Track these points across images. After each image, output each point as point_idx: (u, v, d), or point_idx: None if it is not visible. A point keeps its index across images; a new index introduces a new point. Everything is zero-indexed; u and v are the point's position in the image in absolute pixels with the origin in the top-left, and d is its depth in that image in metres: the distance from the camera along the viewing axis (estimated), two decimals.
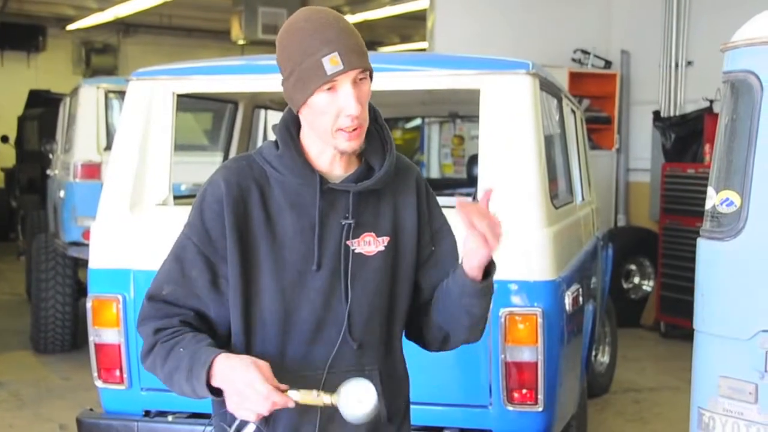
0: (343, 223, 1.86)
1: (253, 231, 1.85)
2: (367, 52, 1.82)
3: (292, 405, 1.72)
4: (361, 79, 1.80)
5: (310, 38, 1.77)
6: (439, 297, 1.92)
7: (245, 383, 1.69)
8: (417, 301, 1.97)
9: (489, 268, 1.84)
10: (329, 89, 1.78)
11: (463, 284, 1.83)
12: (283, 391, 1.70)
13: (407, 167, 1.98)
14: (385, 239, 1.90)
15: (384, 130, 1.93)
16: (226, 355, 1.75)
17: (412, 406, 2.05)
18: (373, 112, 1.94)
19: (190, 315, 1.88)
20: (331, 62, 1.75)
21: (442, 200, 2.18)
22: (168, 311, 1.88)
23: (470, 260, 1.80)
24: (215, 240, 1.85)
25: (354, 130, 1.80)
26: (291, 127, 1.89)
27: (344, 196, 1.87)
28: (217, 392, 1.77)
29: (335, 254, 1.85)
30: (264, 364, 1.72)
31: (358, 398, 1.72)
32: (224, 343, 1.87)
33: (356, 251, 1.87)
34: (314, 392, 1.73)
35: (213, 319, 1.89)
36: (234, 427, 1.80)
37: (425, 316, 1.96)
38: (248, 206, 1.86)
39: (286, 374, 1.73)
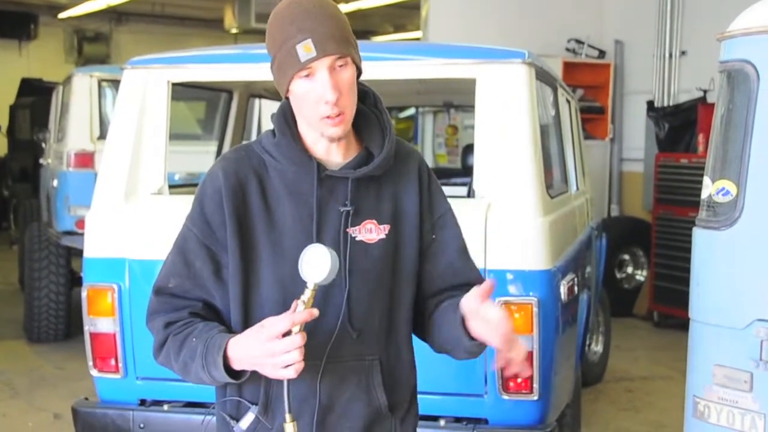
0: (342, 210, 1.86)
1: (252, 220, 1.85)
2: (349, 39, 1.80)
3: (316, 312, 1.71)
4: (340, 66, 1.78)
5: (287, 25, 1.76)
6: (441, 324, 1.91)
7: (267, 340, 1.69)
8: (418, 289, 1.97)
9: None
10: (306, 76, 1.77)
11: (462, 335, 1.82)
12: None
13: (408, 153, 1.96)
14: (386, 227, 1.90)
15: (383, 115, 1.92)
16: (236, 336, 1.76)
17: None
18: (372, 97, 1.93)
19: (199, 306, 1.88)
20: (305, 49, 1.74)
21: None
22: (176, 304, 1.88)
23: (480, 335, 1.78)
24: (216, 230, 1.85)
25: (337, 116, 1.78)
26: (288, 115, 1.88)
27: (343, 183, 1.86)
28: (235, 375, 1.78)
29: (334, 242, 1.84)
30: (266, 320, 1.72)
31: (318, 267, 1.70)
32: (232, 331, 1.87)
33: (357, 239, 1.87)
34: (299, 304, 1.71)
35: (220, 308, 1.89)
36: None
37: (427, 318, 1.96)
38: (247, 196, 1.85)
39: None
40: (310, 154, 1.86)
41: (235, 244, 1.83)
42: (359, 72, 1.85)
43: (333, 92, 1.76)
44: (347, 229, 1.86)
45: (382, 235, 1.89)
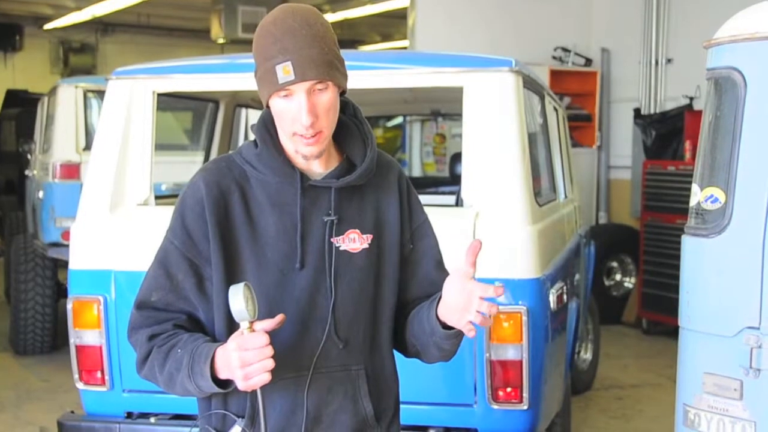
0: (326, 220, 1.84)
1: (235, 231, 1.83)
2: (333, 62, 1.77)
3: (280, 316, 1.72)
4: (319, 89, 1.76)
5: (270, 43, 1.75)
6: (413, 321, 1.90)
7: (237, 349, 1.68)
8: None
9: None
10: (285, 95, 1.76)
11: (435, 325, 1.81)
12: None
13: (388, 164, 1.97)
14: (369, 236, 1.89)
15: (364, 125, 1.91)
16: (222, 346, 1.75)
17: None
18: (352, 107, 1.92)
19: (182, 318, 1.86)
20: (284, 71, 1.73)
21: (424, 198, 2.16)
22: (159, 317, 1.86)
23: (448, 316, 1.76)
24: (198, 242, 1.83)
25: (312, 136, 1.77)
26: (269, 125, 1.86)
27: (326, 192, 1.85)
28: (222, 384, 1.76)
29: (319, 252, 1.84)
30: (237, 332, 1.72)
31: (249, 305, 1.69)
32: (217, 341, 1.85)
33: (341, 248, 1.86)
34: (242, 328, 1.70)
35: (203, 320, 1.87)
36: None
37: (401, 325, 1.95)
38: (229, 207, 1.84)
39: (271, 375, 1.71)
40: (292, 165, 1.84)
41: (218, 256, 1.81)
42: (343, 91, 1.84)
43: (308, 117, 1.75)
44: (331, 239, 1.85)
45: (365, 245, 1.88)
